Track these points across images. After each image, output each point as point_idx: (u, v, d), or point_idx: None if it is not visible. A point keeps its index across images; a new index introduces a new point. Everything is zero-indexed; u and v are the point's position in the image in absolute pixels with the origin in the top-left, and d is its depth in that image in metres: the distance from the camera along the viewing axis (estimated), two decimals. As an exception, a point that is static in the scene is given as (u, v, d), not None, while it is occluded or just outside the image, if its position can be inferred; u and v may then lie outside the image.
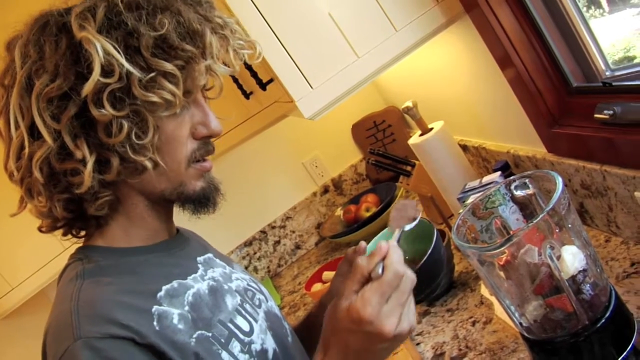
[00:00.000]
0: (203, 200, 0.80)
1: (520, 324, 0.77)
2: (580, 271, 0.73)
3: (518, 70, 1.15)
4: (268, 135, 2.10)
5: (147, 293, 0.73)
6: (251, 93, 1.58)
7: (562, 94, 1.16)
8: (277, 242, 2.25)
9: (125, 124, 0.69)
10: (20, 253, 1.86)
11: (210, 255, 0.90)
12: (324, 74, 1.16)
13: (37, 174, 0.71)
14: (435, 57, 1.49)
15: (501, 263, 0.74)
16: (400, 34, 1.18)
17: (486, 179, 1.30)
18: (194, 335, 0.72)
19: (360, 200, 2.07)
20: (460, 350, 1.15)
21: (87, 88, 0.67)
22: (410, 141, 1.50)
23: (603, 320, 0.73)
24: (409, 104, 1.49)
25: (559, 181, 0.72)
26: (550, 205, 0.69)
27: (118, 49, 0.68)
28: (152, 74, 0.69)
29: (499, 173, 1.29)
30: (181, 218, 0.88)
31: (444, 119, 1.54)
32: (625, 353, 0.73)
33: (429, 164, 1.49)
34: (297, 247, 2.27)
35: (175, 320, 0.71)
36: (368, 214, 1.96)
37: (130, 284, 0.73)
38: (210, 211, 0.82)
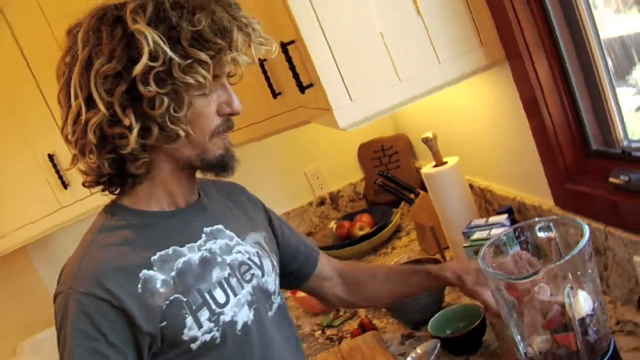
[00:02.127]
0: (222, 164, 0.95)
1: (525, 353, 0.82)
2: (588, 315, 0.78)
3: (544, 121, 1.21)
4: (277, 138, 2.12)
5: (141, 257, 0.88)
6: (279, 93, 1.62)
7: (581, 153, 1.22)
8: (265, 243, 2.27)
9: (166, 100, 0.85)
10: (13, 203, 1.85)
11: (219, 226, 1.00)
12: (365, 89, 1.20)
13: (91, 136, 0.86)
14: (460, 94, 1.55)
15: (518, 295, 0.79)
16: (443, 66, 1.23)
17: (493, 219, 1.35)
18: (170, 298, 0.87)
19: (355, 218, 2.11)
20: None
21: (138, 69, 0.83)
22: (424, 170, 1.56)
23: (600, 365, 0.78)
24: (429, 135, 1.55)
25: (586, 229, 0.77)
26: (577, 250, 0.75)
27: (163, 39, 0.84)
28: (189, 61, 0.85)
29: (505, 215, 1.35)
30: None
31: (456, 155, 1.59)
32: (615, 400, 0.78)
33: (437, 195, 1.54)
34: (283, 252, 2.29)
35: (157, 284, 0.87)
36: (362, 233, 2.00)
37: (131, 245, 0.90)
38: (229, 174, 0.97)
